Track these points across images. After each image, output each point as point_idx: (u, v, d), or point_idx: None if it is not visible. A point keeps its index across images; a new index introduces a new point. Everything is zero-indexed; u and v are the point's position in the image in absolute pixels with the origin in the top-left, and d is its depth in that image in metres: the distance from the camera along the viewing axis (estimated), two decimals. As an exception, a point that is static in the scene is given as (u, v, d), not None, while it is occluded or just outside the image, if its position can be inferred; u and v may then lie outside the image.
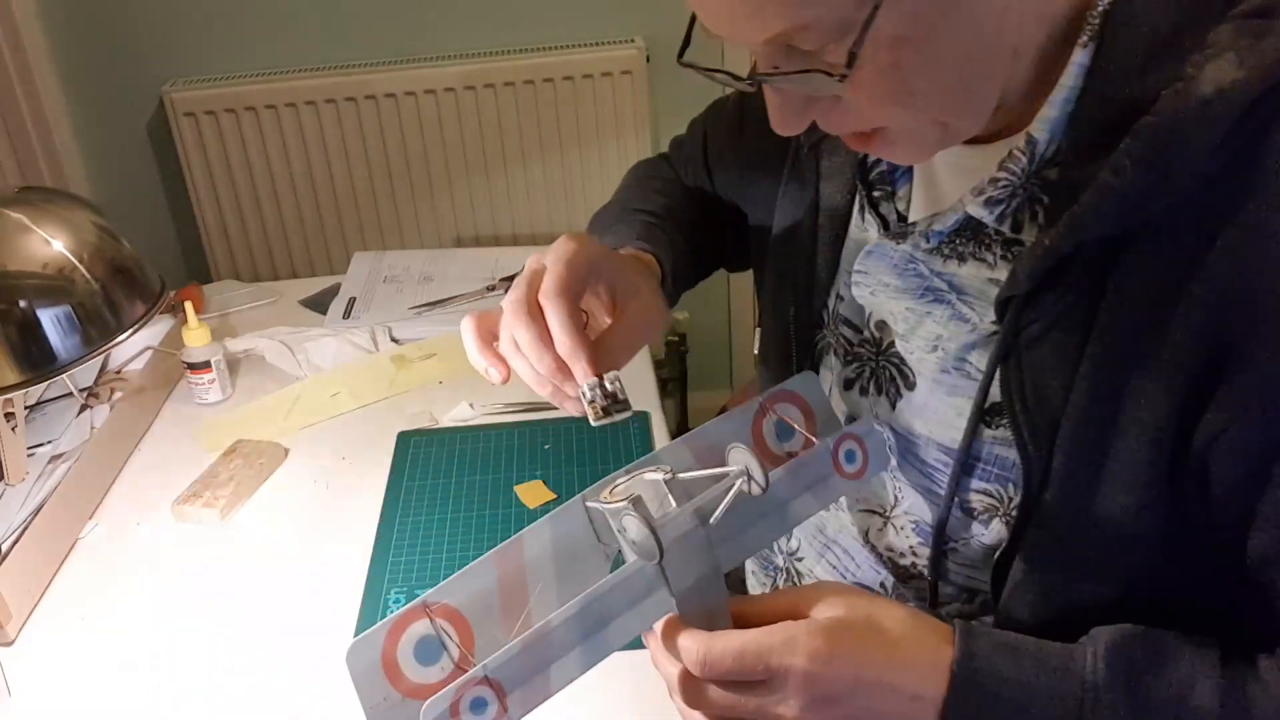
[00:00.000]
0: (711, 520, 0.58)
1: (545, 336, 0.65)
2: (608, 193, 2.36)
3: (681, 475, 0.60)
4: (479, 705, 0.52)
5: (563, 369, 0.65)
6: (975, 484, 0.68)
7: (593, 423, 0.64)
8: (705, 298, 2.16)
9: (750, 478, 0.59)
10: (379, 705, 0.54)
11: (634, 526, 0.56)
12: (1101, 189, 0.55)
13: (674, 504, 0.58)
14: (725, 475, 0.60)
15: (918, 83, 0.55)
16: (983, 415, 0.66)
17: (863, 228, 0.74)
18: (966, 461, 0.67)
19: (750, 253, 0.92)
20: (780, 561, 0.87)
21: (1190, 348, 0.55)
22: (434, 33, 2.00)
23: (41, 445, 1.16)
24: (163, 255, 2.14)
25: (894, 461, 0.75)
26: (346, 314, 1.44)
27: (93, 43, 1.95)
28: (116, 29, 1.94)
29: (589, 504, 0.61)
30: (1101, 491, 0.60)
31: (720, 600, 0.59)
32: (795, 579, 0.86)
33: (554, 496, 1.07)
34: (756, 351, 0.89)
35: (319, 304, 1.49)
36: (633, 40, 2.01)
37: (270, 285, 1.57)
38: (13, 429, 1.08)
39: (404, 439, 1.18)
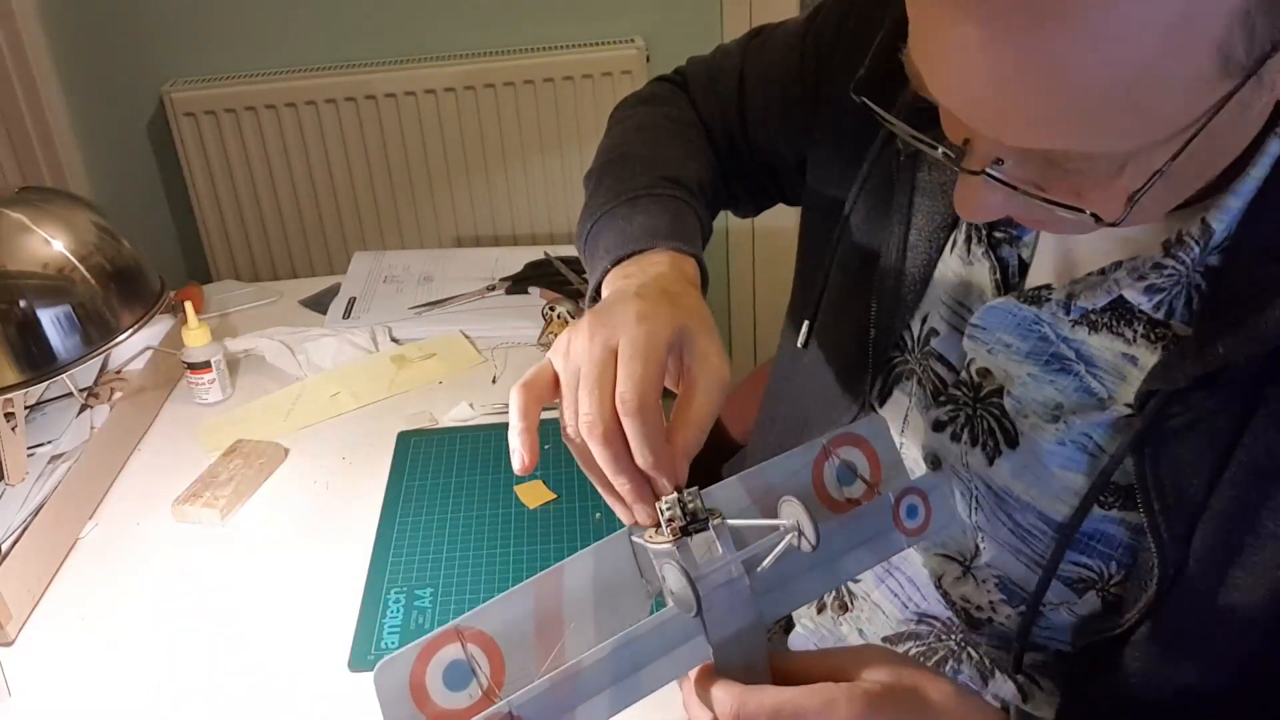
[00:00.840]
0: (757, 571, 0.56)
1: (625, 456, 0.58)
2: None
3: (731, 521, 0.58)
4: None
5: (639, 489, 0.59)
6: (1074, 556, 0.65)
7: (670, 543, 0.58)
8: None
9: (801, 533, 0.56)
10: None
11: (674, 576, 0.55)
12: None
13: (720, 550, 0.56)
14: (776, 527, 0.57)
15: (1147, 203, 0.51)
16: (1095, 492, 0.63)
17: (968, 261, 0.69)
18: (1066, 538, 0.64)
19: (774, 199, 0.87)
20: None
21: None
22: (434, 33, 2.00)
23: (41, 445, 1.16)
24: (163, 255, 2.14)
25: (963, 521, 0.71)
26: (346, 314, 1.44)
27: (93, 43, 1.95)
28: (116, 29, 1.94)
29: (634, 539, 0.59)
30: (1224, 597, 0.58)
31: (760, 653, 0.57)
32: (848, 600, 0.82)
33: (554, 496, 1.07)
34: (801, 344, 0.82)
35: (319, 304, 1.49)
36: (633, 40, 2.01)
37: (270, 285, 1.57)
38: (13, 429, 1.08)
39: (404, 439, 1.18)
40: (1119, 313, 0.61)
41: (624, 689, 0.54)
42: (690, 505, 0.58)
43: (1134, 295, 0.59)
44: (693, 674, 0.57)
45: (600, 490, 0.62)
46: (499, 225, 2.14)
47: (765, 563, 0.56)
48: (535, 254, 1.55)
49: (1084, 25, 0.42)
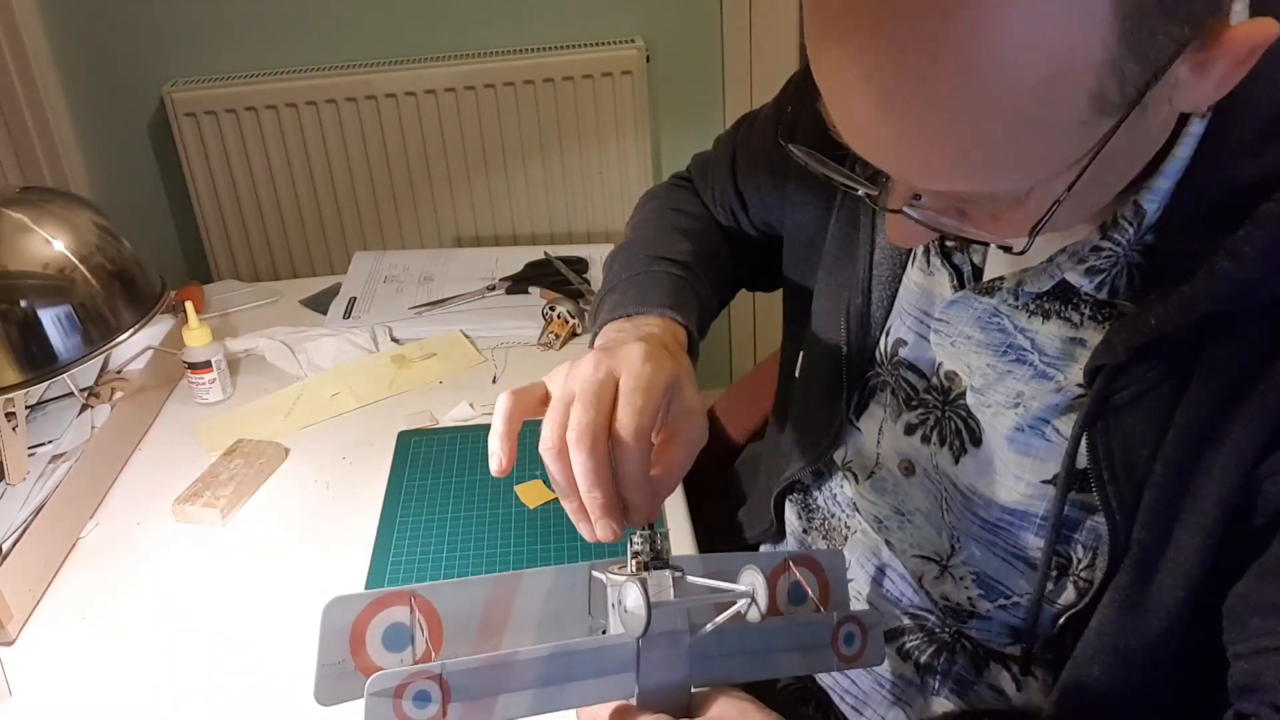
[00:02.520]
0: (701, 632, 0.58)
1: (605, 469, 0.60)
2: (608, 192, 2.35)
3: (691, 578, 0.59)
4: (422, 698, 0.52)
5: (610, 504, 0.61)
6: (1039, 544, 0.68)
7: (629, 573, 0.59)
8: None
9: (754, 601, 0.58)
10: (332, 666, 0.54)
11: (633, 595, 0.56)
12: (1218, 274, 0.54)
13: (673, 599, 0.58)
14: (731, 591, 0.59)
15: (1063, 217, 0.54)
16: (1056, 478, 0.65)
17: (928, 272, 0.73)
18: (1058, 526, 0.66)
19: (782, 272, 0.90)
20: None
21: (1263, 419, 0.55)
22: (434, 33, 2.00)
23: (42, 445, 1.16)
24: (163, 255, 2.15)
25: (886, 662, 0.76)
26: (347, 314, 1.44)
27: (93, 43, 1.95)
28: (116, 29, 1.95)
29: (594, 573, 0.61)
30: (1170, 558, 0.60)
31: (679, 710, 0.59)
32: None
33: (554, 496, 1.07)
34: (797, 374, 0.87)
35: (319, 304, 1.49)
36: (633, 40, 2.01)
37: (270, 285, 1.57)
38: (13, 429, 1.08)
39: (404, 439, 1.18)
40: (1066, 298, 0.64)
41: (548, 694, 0.55)
42: (659, 545, 0.60)
43: (1075, 278, 0.62)
44: (611, 705, 0.58)
45: (566, 506, 0.63)
46: (499, 225, 2.14)
47: (711, 624, 0.58)
48: (535, 254, 1.55)
49: (961, 91, 0.46)
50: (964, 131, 0.47)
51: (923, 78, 0.46)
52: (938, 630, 0.78)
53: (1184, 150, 0.56)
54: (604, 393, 0.62)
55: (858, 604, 0.83)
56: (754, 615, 0.58)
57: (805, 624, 0.65)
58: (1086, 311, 0.63)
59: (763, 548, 0.98)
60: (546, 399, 0.65)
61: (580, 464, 0.60)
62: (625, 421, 0.60)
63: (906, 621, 0.80)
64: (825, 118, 0.53)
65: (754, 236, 0.95)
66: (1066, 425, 0.65)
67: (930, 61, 0.45)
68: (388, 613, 0.56)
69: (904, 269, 0.75)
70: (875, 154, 0.52)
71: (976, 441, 0.70)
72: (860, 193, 0.58)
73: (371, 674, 0.52)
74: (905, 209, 0.55)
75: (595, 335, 0.79)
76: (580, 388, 0.62)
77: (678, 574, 0.59)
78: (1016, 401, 0.67)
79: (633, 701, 0.58)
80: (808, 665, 0.66)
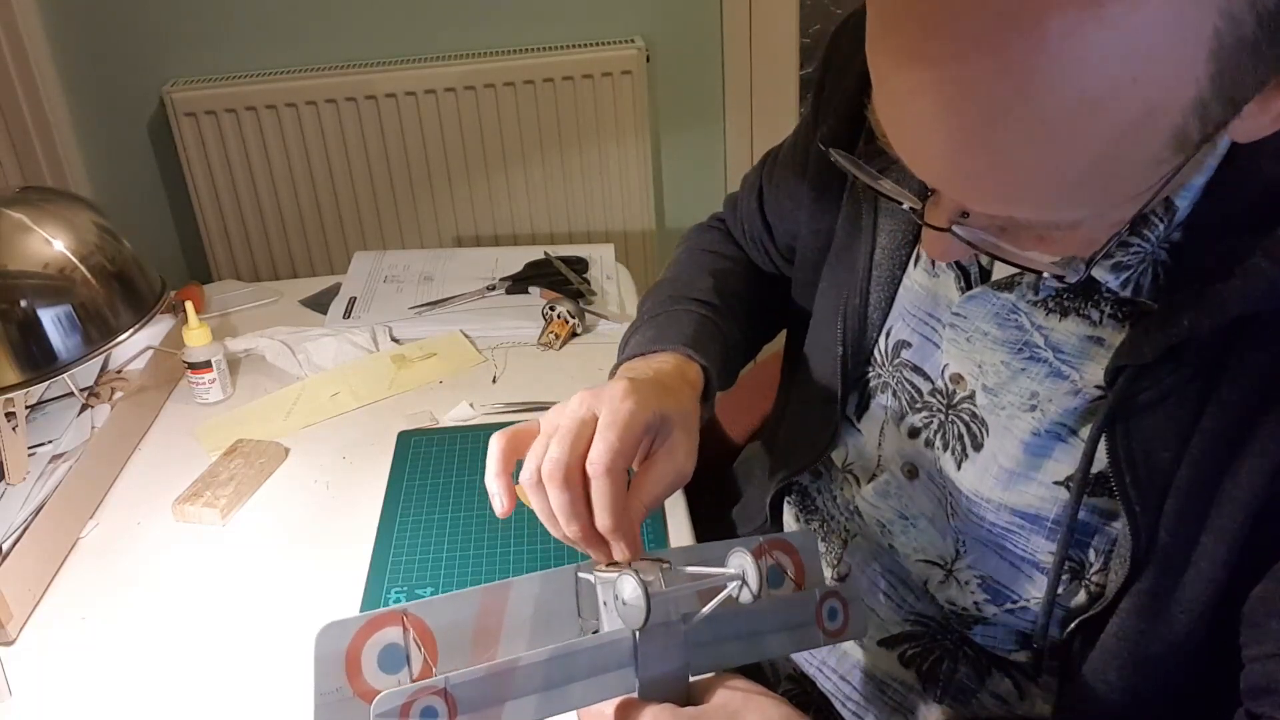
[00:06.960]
0: (695, 619, 0.59)
1: (581, 504, 0.62)
2: (608, 192, 2.35)
3: (678, 568, 0.60)
4: (429, 714, 0.53)
5: (589, 536, 0.62)
6: (1051, 548, 0.67)
7: (621, 569, 0.61)
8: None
9: (745, 583, 0.59)
10: (330, 694, 0.54)
11: (630, 587, 0.56)
12: (1254, 274, 0.53)
13: (667, 588, 0.59)
14: (720, 575, 0.60)
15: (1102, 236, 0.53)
16: (1069, 480, 0.65)
17: (933, 274, 0.72)
18: (1072, 530, 0.65)
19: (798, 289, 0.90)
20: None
21: None
22: (434, 33, 2.00)
23: (42, 445, 1.16)
24: (163, 255, 2.15)
25: (869, 633, 0.77)
26: (347, 314, 1.44)
27: (93, 43, 1.96)
28: (116, 29, 1.95)
29: (580, 574, 0.62)
30: (1194, 563, 0.60)
31: (680, 700, 0.59)
32: None
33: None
34: (796, 374, 0.88)
35: (319, 304, 1.49)
36: (633, 40, 2.01)
37: (270, 285, 1.57)
38: (13, 429, 1.08)
39: (404, 439, 1.18)
40: (1087, 295, 0.63)
41: (552, 698, 0.56)
42: (637, 588, 0.60)
43: (1101, 274, 0.61)
44: (615, 702, 0.58)
45: (547, 524, 0.65)
46: (499, 225, 2.14)
47: (707, 608, 0.59)
48: (535, 254, 1.55)
49: (1046, 125, 0.44)
50: (1041, 165, 0.46)
51: (1008, 111, 0.44)
52: (940, 636, 0.78)
53: (1220, 147, 0.56)
54: (582, 430, 0.63)
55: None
56: (746, 597, 0.59)
57: (789, 603, 0.66)
58: (1106, 310, 0.62)
59: None
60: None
61: (555, 499, 0.62)
62: (596, 457, 0.62)
63: (909, 627, 0.79)
64: (873, 124, 0.51)
65: (785, 266, 0.95)
66: (1085, 427, 0.64)
67: (1019, 95, 0.43)
68: (381, 634, 0.56)
69: (904, 270, 0.75)
70: (937, 178, 0.50)
71: (978, 446, 0.70)
72: (905, 206, 0.57)
73: (370, 698, 0.52)
74: (954, 229, 0.54)
75: (613, 372, 0.81)
76: (562, 426, 0.64)
77: (665, 565, 0.59)
78: (1033, 404, 0.66)
79: (634, 695, 0.58)
80: (796, 643, 0.67)
